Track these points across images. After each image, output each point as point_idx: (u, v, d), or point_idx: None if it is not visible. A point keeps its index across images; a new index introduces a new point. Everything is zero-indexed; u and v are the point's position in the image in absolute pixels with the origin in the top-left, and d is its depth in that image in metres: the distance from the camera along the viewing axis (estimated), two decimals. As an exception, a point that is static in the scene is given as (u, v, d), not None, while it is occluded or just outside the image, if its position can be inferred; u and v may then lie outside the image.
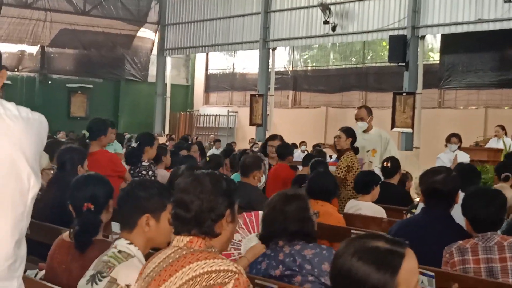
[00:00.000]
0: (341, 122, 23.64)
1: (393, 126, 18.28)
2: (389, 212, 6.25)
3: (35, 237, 5.63)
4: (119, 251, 3.08)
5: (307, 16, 21.92)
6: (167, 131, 27.72)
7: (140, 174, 6.99)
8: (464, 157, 10.31)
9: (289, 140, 13.74)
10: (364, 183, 6.26)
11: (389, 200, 6.50)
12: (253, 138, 22.19)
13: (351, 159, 7.66)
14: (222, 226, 2.64)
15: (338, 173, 7.53)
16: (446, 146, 10.89)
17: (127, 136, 19.71)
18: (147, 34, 28.74)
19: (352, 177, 7.31)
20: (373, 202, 6.24)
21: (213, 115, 29.21)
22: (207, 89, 30.90)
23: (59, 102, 27.02)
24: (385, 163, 7.42)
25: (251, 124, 23.08)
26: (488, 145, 13.20)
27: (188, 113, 30.19)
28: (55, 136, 18.19)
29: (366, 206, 6.17)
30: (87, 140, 6.96)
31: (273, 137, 8.64)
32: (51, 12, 26.44)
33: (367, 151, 8.22)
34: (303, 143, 19.53)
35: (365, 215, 6.09)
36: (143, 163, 7.21)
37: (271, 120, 23.40)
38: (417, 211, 5.02)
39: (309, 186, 5.57)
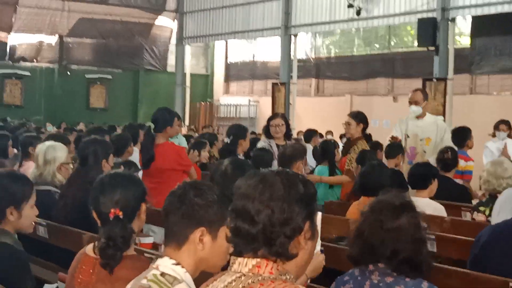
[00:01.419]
0: (367, 111, 22.92)
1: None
2: (447, 209, 5.52)
3: (53, 242, 5.04)
4: (162, 274, 2.35)
5: (330, 0, 21.21)
6: (187, 122, 27.30)
7: None
8: (515, 146, 9.56)
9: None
10: (420, 176, 5.47)
11: (446, 196, 5.75)
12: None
13: (364, 149, 6.86)
14: (300, 244, 1.98)
15: (349, 166, 6.74)
16: (493, 135, 10.14)
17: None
18: (166, 22, 28.37)
19: None
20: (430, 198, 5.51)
21: (233, 105, 28.66)
22: (227, 78, 30.33)
23: (78, 93, 26.84)
24: (445, 153, 6.64)
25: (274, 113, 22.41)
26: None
27: (208, 103, 29.66)
28: (75, 128, 17.66)
29: (423, 203, 5.27)
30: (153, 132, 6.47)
31: (275, 115, 7.91)
32: (68, 1, 26.18)
33: (421, 140, 7.41)
34: (329, 132, 18.84)
35: (423, 213, 5.30)
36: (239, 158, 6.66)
37: (293, 110, 22.84)
38: (494, 211, 4.32)
39: (361, 181, 4.88)
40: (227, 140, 6.74)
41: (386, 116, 20.30)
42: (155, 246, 4.74)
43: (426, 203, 5.37)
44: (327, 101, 24.96)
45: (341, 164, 7.26)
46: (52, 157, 5.48)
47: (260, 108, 27.37)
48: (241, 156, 6.62)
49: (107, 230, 2.87)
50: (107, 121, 22.39)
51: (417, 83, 18.47)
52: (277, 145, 7.17)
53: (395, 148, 7.16)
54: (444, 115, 17.15)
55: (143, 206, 3.07)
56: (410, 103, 7.81)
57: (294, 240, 1.96)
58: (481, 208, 5.14)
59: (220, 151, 6.73)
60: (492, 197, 5.10)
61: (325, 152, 7.57)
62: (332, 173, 7.20)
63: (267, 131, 7.69)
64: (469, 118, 18.31)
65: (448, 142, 7.56)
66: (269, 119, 7.77)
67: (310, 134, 12.42)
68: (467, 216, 5.89)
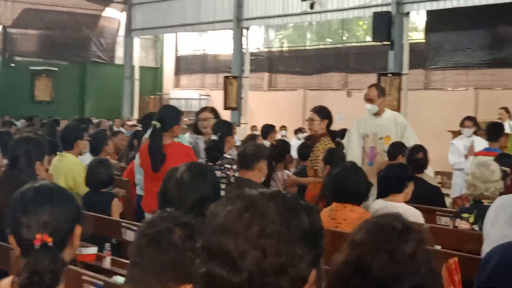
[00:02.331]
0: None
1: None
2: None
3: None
4: None
5: (283, -7, 20.87)
6: (136, 116, 26.63)
7: (223, 168, 5.95)
8: (482, 144, 9.18)
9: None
10: (395, 178, 4.95)
11: (418, 199, 5.25)
12: (228, 123, 20.99)
13: (330, 147, 6.38)
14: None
15: (313, 165, 6.24)
16: (459, 132, 9.75)
17: (95, 121, 18.47)
18: (114, 13, 27.71)
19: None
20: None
21: (184, 98, 28.04)
22: (178, 71, 29.73)
23: (22, 85, 25.97)
24: (417, 153, 6.18)
25: (225, 108, 22.05)
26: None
27: (157, 96, 28.99)
28: (15, 123, 16.81)
29: (399, 208, 4.83)
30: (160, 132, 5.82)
31: (203, 109, 7.37)
32: (12, -9, 25.31)
33: (380, 138, 6.81)
34: (283, 127, 18.39)
35: (424, 230, 4.80)
36: (226, 155, 6.15)
37: (246, 104, 22.45)
38: (487, 221, 3.87)
39: (334, 184, 4.39)
40: (214, 137, 6.21)
41: (340, 111, 19.86)
42: (99, 258, 4.18)
43: (402, 209, 4.88)
44: (280, 95, 24.57)
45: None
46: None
47: (212, 102, 26.76)
48: (228, 154, 6.10)
49: (32, 262, 2.11)
50: (52, 115, 21.58)
51: (371, 78, 18.22)
52: (206, 142, 6.64)
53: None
54: (399, 111, 16.87)
55: (78, 229, 2.34)
56: (366, 100, 7.31)
57: None
58: (464, 215, 4.66)
59: (207, 149, 6.19)
60: (477, 203, 4.66)
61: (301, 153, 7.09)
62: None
63: (195, 126, 7.14)
64: (423, 114, 18.19)
65: (409, 139, 7.10)
66: (197, 113, 7.23)
67: (268, 129, 11.70)
68: (442, 221, 5.47)
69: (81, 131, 6.65)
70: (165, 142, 5.66)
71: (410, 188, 4.93)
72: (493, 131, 8.18)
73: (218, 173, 5.51)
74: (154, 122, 5.67)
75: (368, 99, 7.18)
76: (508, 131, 11.46)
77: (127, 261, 3.67)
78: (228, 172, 5.90)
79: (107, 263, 4.12)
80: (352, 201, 4.34)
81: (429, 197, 5.72)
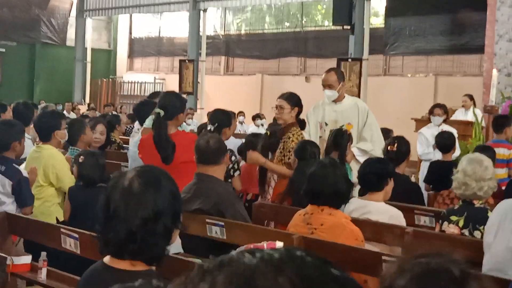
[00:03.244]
0: (279, 90, 22.14)
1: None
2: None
3: None
4: None
5: (241, -27, 20.37)
6: (87, 100, 25.86)
7: None
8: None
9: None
10: (374, 175, 4.44)
11: (395, 195, 4.78)
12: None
13: (301, 138, 5.85)
14: None
15: (283, 158, 5.68)
16: (428, 119, 9.35)
17: (43, 105, 17.73)
18: (65, -7, 26.73)
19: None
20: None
21: (138, 82, 27.33)
22: (131, 54, 28.95)
23: (-33, 67, 25.00)
24: (390, 146, 5.70)
25: (181, 92, 21.39)
26: (454, 117, 11.83)
27: (110, 80, 28.19)
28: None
29: (378, 209, 4.42)
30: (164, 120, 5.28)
31: (155, 95, 6.78)
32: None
33: (341, 126, 6.30)
34: (240, 113, 17.88)
35: (376, 221, 4.35)
36: None
37: (202, 88, 21.92)
38: (489, 229, 3.42)
39: (309, 185, 3.88)
40: (210, 127, 5.65)
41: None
42: (34, 268, 3.62)
43: (381, 209, 4.47)
44: (238, 80, 24.07)
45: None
46: None
47: (167, 86, 26.18)
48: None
49: None
50: (0, 98, 20.71)
51: (331, 63, 17.82)
52: None
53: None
54: (359, 97, 16.55)
55: None
56: (324, 86, 6.77)
57: None
58: (453, 218, 4.19)
59: None
60: (467, 204, 4.18)
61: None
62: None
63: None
64: (382, 100, 17.91)
65: (372, 127, 6.63)
66: (149, 98, 6.65)
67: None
68: (421, 221, 5.04)
69: (57, 120, 5.84)
70: (169, 131, 5.15)
71: (390, 186, 4.45)
72: (498, 123, 7.97)
73: None
74: (157, 110, 5.14)
75: (327, 85, 6.65)
76: (471, 119, 11.19)
77: (65, 273, 3.06)
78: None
79: (42, 275, 3.57)
80: (331, 203, 3.84)
81: (406, 194, 5.26)
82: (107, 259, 2.14)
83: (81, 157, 5.08)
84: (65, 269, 3.62)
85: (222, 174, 4.60)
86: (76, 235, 3.44)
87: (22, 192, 4.81)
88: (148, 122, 5.74)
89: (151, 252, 2.08)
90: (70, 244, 3.43)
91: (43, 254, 3.54)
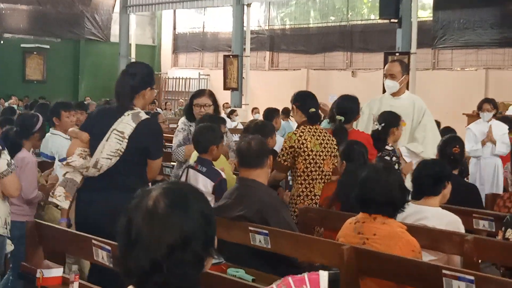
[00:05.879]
0: (324, 85, 21.99)
1: (384, 90, 16.46)
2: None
3: None
4: None
5: (286, -33, 20.11)
6: (133, 96, 25.83)
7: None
8: (501, 128, 8.42)
9: (268, 106, 11.62)
10: (431, 178, 4.11)
11: (452, 199, 4.43)
12: (227, 103, 20.24)
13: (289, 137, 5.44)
14: None
15: (281, 159, 5.39)
16: (477, 114, 8.95)
17: (88, 101, 17.78)
18: (109, -11, 26.85)
19: (303, 164, 5.27)
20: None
21: (182, 78, 27.26)
22: (176, 50, 28.91)
23: (12, 64, 25.13)
24: (451, 146, 5.29)
25: (225, 88, 21.30)
26: (508, 113, 11.37)
27: (155, 76, 28.14)
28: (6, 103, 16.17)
29: (434, 215, 4.10)
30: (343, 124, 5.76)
31: (200, 92, 6.28)
32: (1, -37, 24.54)
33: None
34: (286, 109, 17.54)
35: (433, 228, 4.02)
36: (387, 147, 5.71)
37: (247, 84, 21.66)
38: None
39: (361, 192, 3.57)
40: (378, 126, 5.75)
41: (344, 92, 19.13)
42: (65, 281, 3.38)
43: (438, 215, 4.15)
44: (283, 75, 23.82)
45: None
46: None
47: (211, 82, 26.06)
48: (389, 146, 5.72)
49: None
50: (45, 95, 20.83)
51: (377, 57, 17.53)
52: None
53: None
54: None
55: None
56: (385, 76, 6.48)
57: None
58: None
59: (371, 137, 5.69)
60: None
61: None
62: None
63: (188, 111, 6.11)
64: (430, 95, 17.41)
65: (427, 127, 6.32)
66: (193, 97, 6.11)
67: (271, 113, 10.55)
68: (479, 225, 4.71)
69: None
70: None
71: (448, 189, 4.13)
72: None
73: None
74: (338, 117, 5.47)
75: (390, 75, 6.41)
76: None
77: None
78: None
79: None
80: (384, 212, 3.53)
81: (463, 197, 4.92)
82: None
83: None
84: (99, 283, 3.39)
85: (266, 178, 4.32)
86: (109, 247, 3.20)
87: (222, 192, 4.74)
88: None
89: (179, 285, 1.77)
90: (102, 256, 3.20)
91: (75, 267, 3.31)
